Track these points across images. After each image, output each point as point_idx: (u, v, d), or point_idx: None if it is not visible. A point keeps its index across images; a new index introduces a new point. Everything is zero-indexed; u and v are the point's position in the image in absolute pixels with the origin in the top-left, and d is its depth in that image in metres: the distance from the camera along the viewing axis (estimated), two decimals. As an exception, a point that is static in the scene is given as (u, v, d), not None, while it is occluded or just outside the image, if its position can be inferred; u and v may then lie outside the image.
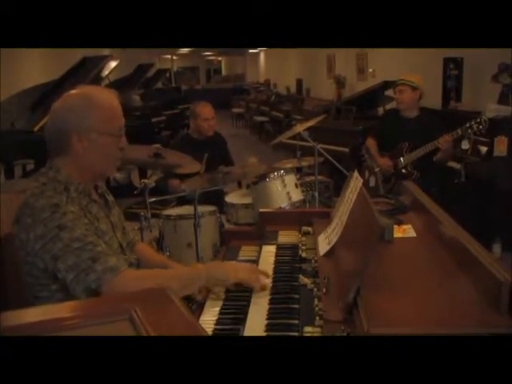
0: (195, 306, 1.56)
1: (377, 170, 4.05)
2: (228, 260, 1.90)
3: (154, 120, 8.83)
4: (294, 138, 4.35)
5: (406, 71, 4.12)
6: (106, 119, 1.60)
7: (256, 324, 1.37)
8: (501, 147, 3.78)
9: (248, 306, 1.47)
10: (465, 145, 3.80)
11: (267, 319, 1.39)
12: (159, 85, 13.75)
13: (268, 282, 1.59)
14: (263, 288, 1.55)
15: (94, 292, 1.46)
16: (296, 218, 2.12)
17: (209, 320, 1.45)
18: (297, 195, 3.53)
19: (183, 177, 3.40)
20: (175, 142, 4.34)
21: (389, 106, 5.79)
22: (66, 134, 1.57)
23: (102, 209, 1.69)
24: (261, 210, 2.22)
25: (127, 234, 1.86)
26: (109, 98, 1.63)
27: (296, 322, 1.35)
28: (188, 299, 1.61)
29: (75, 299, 1.46)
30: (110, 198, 1.80)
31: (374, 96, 6.05)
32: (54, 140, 1.60)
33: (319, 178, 4.11)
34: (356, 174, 1.73)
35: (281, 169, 3.66)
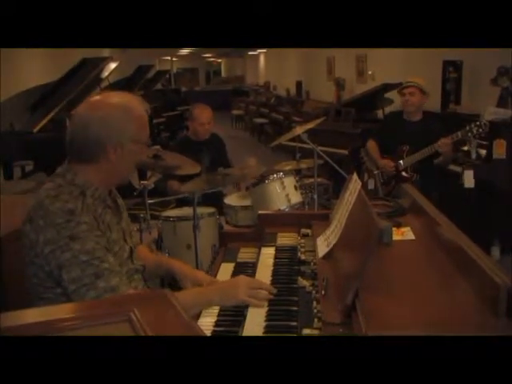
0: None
1: (376, 172, 4.05)
2: (226, 262, 1.90)
3: (153, 121, 8.83)
4: (293, 140, 4.34)
5: (412, 75, 4.06)
6: (140, 128, 1.59)
7: (255, 326, 1.37)
8: (499, 150, 3.78)
9: (247, 307, 1.47)
10: (472, 149, 3.76)
11: (266, 321, 1.39)
12: (159, 86, 13.76)
13: (266, 294, 1.54)
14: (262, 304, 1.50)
15: None
16: (295, 220, 2.12)
17: (208, 322, 1.45)
18: (296, 197, 3.53)
19: (182, 178, 3.40)
20: (174, 143, 4.33)
21: (388, 109, 5.79)
22: (101, 144, 1.54)
23: (114, 215, 1.66)
24: (260, 212, 2.22)
25: (133, 237, 1.84)
26: (140, 106, 1.61)
27: (294, 324, 1.35)
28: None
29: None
30: (120, 201, 1.78)
31: (373, 98, 6.05)
32: (83, 148, 1.55)
33: (318, 180, 4.10)
34: (355, 176, 1.73)
35: (280, 171, 3.66)
